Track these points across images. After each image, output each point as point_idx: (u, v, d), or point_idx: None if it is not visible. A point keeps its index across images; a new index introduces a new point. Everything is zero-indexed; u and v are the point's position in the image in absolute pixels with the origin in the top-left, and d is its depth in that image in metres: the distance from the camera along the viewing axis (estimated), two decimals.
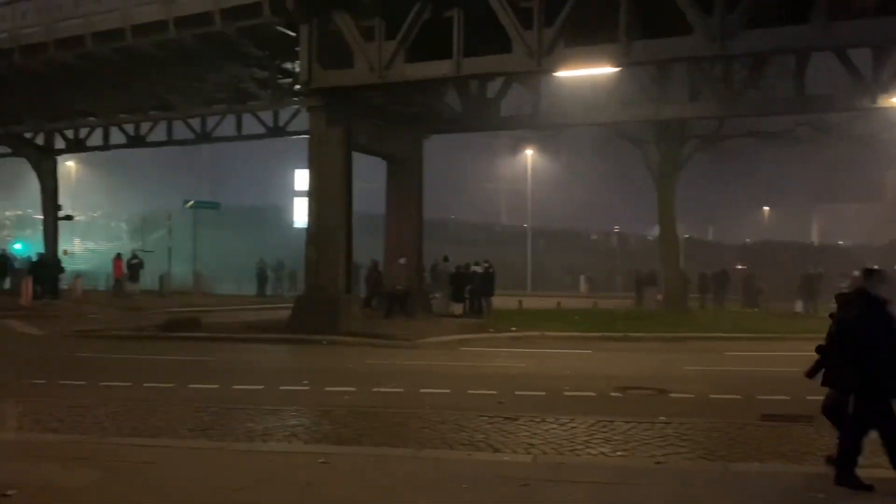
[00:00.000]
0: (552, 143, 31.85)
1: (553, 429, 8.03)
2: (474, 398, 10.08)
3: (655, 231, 31.95)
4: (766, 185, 53.27)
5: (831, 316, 6.18)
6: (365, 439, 7.61)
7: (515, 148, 39.06)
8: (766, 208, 66.54)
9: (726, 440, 7.58)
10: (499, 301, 23.39)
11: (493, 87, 21.50)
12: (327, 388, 10.84)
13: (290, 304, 19.79)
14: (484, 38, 16.33)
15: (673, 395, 10.51)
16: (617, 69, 16.72)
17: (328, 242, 18.75)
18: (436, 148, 24.57)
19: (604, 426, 8.10)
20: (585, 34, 15.32)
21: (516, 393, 10.46)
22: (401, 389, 10.82)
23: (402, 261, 21.09)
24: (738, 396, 10.38)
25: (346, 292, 19.04)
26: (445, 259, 23.97)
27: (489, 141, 38.47)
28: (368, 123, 20.30)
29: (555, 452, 7.09)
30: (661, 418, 8.39)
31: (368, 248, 24.14)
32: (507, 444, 7.40)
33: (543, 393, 10.48)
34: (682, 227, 30.41)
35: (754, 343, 17.63)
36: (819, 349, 6.13)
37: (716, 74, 20.09)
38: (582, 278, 42.59)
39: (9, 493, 5.53)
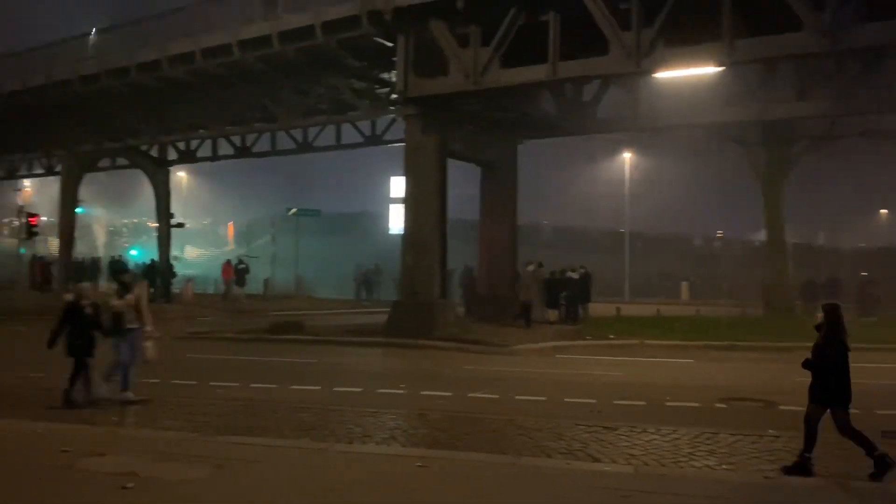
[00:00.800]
0: (651, 145, 31.10)
1: (654, 440, 7.81)
2: (571, 406, 9.93)
3: (762, 236, 30.60)
4: (882, 188, 50.00)
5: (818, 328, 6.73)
6: (462, 444, 7.64)
7: (612, 151, 38.38)
8: (883, 212, 62.49)
9: (842, 457, 7.14)
10: (595, 308, 22.98)
11: (590, 89, 21.23)
12: (423, 392, 10.95)
13: (387, 309, 20.12)
14: (579, 40, 16.14)
15: (782, 407, 10.00)
16: (720, 69, 16.14)
17: (423, 248, 18.97)
18: (530, 152, 24.50)
19: (708, 438, 7.82)
20: (686, 33, 14.88)
21: (615, 402, 10.23)
22: (496, 396, 10.79)
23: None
24: (856, 411, 9.76)
25: (441, 297, 19.20)
26: (540, 265, 23.77)
27: (584, 144, 37.97)
28: (463, 130, 20.44)
29: (657, 464, 6.90)
30: (769, 431, 8.02)
31: (463, 254, 24.26)
32: (606, 454, 7.26)
33: (643, 403, 10.21)
34: (791, 231, 28.92)
35: (872, 354, 16.53)
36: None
37: (827, 71, 19.08)
38: (683, 285, 41.23)
39: (128, 485, 5.88)
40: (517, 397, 10.58)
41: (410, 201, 19.34)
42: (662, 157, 36.08)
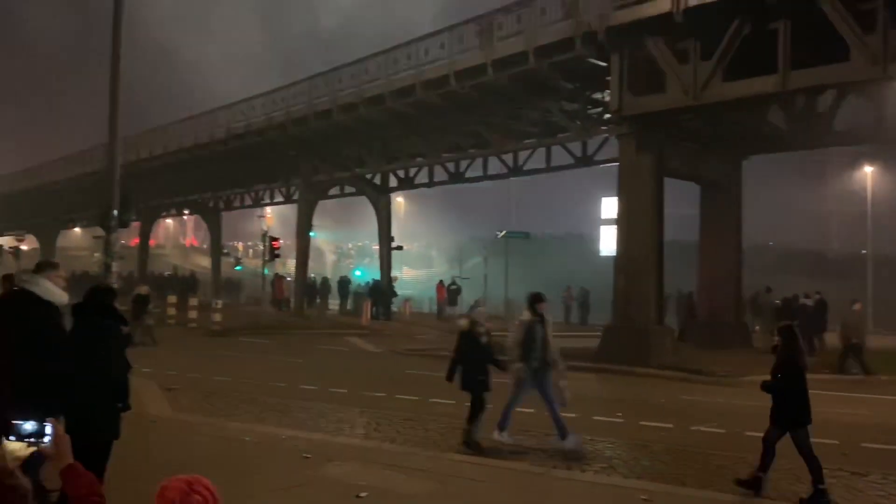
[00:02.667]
0: None
1: None
2: None
3: None
4: None
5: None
6: (688, 480, 7.23)
7: (851, 165, 34.76)
8: None
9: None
10: (833, 338, 20.76)
11: (823, 100, 19.45)
12: (642, 423, 10.53)
13: (598, 333, 19.70)
14: (810, 48, 14.84)
15: None
16: None
17: (637, 271, 18.37)
18: (753, 168, 22.90)
19: None
20: None
21: (863, 445, 9.15)
22: (722, 430, 10.10)
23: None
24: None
25: (657, 323, 18.43)
26: (768, 290, 22.05)
27: (817, 159, 34.78)
28: (681, 147, 19.61)
29: None
30: None
31: (680, 277, 23.16)
32: (853, 503, 6.49)
33: None
34: None
35: None
36: None
37: None
38: None
39: (362, 494, 6.24)
40: (746, 433, 9.79)
41: (624, 222, 18.85)
42: None
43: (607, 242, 26.09)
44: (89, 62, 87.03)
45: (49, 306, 5.21)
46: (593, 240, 34.82)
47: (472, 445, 8.34)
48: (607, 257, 22.87)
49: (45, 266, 5.50)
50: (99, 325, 5.12)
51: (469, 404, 8.62)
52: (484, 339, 8.74)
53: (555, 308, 33.97)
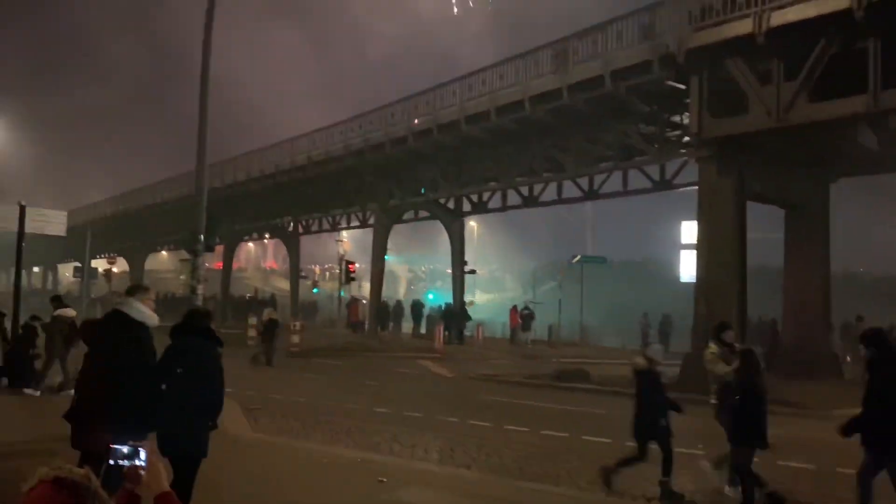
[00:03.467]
0: None
1: None
2: None
3: None
4: None
5: None
6: None
7: None
8: None
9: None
10: None
11: None
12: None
13: (678, 361, 19.12)
14: None
15: None
16: None
17: (719, 297, 17.79)
18: (842, 191, 21.97)
19: None
20: None
21: None
22: (812, 466, 9.63)
23: None
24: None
25: None
26: (859, 318, 21.00)
27: None
28: (764, 170, 18.99)
29: None
30: None
31: (763, 304, 22.33)
32: None
33: None
34: None
35: None
36: None
37: None
38: None
39: None
40: (838, 469, 9.31)
41: (704, 247, 18.34)
42: None
43: (687, 268, 25.44)
44: (166, 95, 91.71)
45: (142, 327, 5.46)
46: (672, 265, 34.02)
47: (674, 497, 7.67)
48: (687, 283, 22.27)
49: (137, 289, 5.78)
50: (198, 346, 5.36)
51: (637, 450, 7.89)
52: (664, 380, 8.15)
53: (632, 334, 33.51)
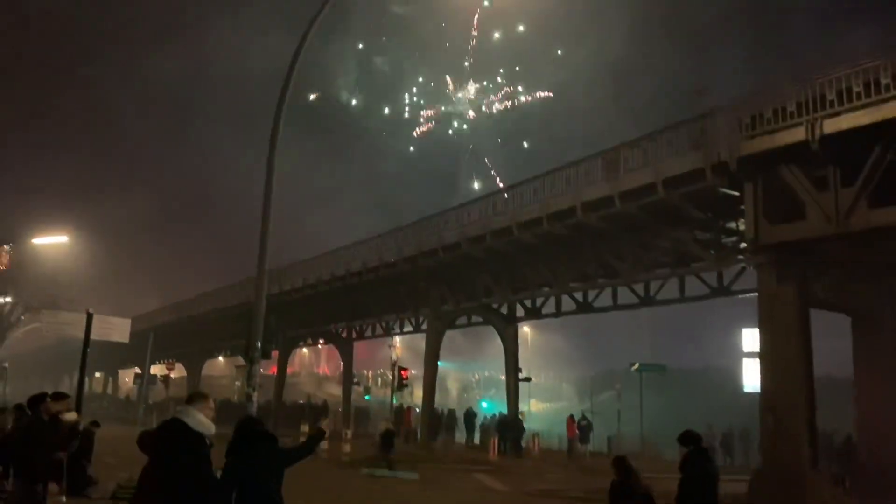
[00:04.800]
0: None
1: None
2: None
3: None
4: None
5: None
6: None
7: None
8: None
9: None
10: None
11: None
12: None
13: (745, 476, 18.12)
14: None
15: None
16: None
17: (786, 410, 16.99)
18: None
19: None
20: None
21: None
22: None
23: None
24: None
25: (812, 468, 16.75)
26: None
27: None
28: (826, 276, 18.55)
29: None
30: None
31: (834, 416, 21.19)
32: None
33: None
34: None
35: None
36: None
37: None
38: None
39: None
40: None
41: (768, 356, 17.70)
42: None
43: (751, 377, 24.47)
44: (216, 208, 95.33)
45: (199, 437, 5.51)
46: (734, 373, 32.79)
47: None
48: (753, 393, 21.38)
49: (196, 398, 5.88)
50: (261, 449, 5.71)
51: None
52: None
53: None
